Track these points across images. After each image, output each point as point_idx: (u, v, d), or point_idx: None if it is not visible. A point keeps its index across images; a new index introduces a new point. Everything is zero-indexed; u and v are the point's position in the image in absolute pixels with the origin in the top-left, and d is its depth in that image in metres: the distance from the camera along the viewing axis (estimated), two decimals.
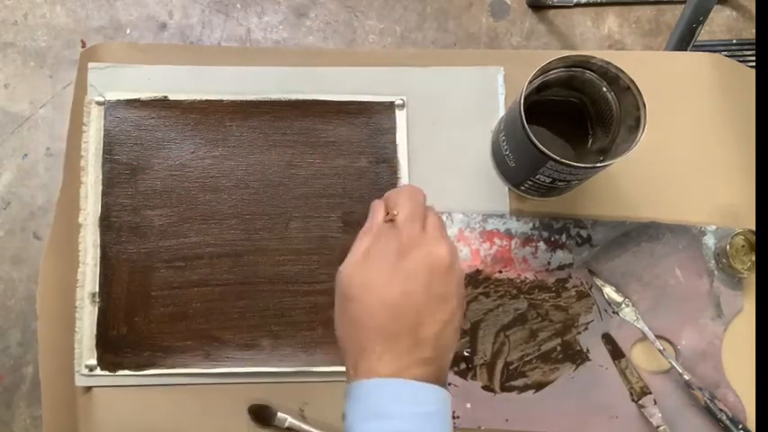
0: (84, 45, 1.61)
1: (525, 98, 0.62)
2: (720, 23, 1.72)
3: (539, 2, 1.71)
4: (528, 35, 1.71)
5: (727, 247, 0.70)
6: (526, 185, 0.70)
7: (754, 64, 1.30)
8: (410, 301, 0.47)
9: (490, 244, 0.72)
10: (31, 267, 1.52)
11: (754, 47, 1.60)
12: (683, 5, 1.30)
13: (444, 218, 0.72)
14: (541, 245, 0.72)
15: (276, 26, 1.67)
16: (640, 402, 0.69)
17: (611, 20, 1.72)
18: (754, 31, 1.70)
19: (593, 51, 0.66)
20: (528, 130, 0.61)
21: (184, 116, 0.73)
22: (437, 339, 0.48)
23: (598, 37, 1.71)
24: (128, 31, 1.65)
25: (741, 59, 1.58)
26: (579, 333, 0.71)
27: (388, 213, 0.52)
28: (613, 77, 0.64)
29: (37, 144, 1.58)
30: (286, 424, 0.68)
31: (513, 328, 0.70)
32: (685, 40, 1.31)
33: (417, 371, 0.46)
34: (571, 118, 0.71)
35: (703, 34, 1.35)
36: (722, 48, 1.61)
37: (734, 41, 1.63)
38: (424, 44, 1.68)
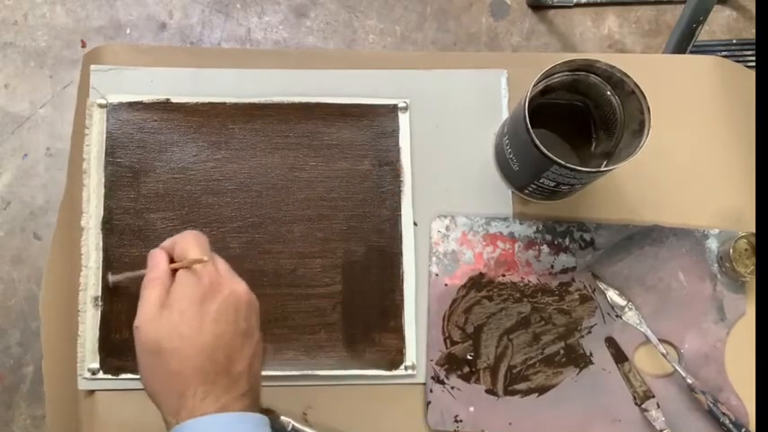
0: (84, 45, 1.61)
1: (529, 101, 0.62)
2: (720, 23, 1.72)
3: (539, 2, 1.71)
4: (528, 35, 1.71)
5: (730, 250, 0.70)
6: (530, 189, 0.70)
7: (754, 64, 1.30)
8: (221, 342, 0.49)
9: (493, 247, 0.72)
10: (31, 267, 1.51)
11: (754, 47, 1.60)
12: (683, 5, 1.30)
13: (448, 221, 0.72)
14: (545, 248, 0.72)
15: (276, 26, 1.67)
16: (643, 406, 0.69)
17: (611, 20, 1.72)
18: (754, 31, 1.70)
19: (595, 54, 0.66)
20: (532, 133, 0.61)
21: (187, 119, 0.73)
22: (249, 373, 0.51)
23: (598, 37, 1.71)
24: (128, 31, 1.64)
25: (741, 60, 1.58)
26: (582, 337, 0.71)
27: (172, 261, 0.54)
28: (618, 81, 0.64)
29: (37, 144, 1.57)
30: (289, 428, 0.67)
31: (517, 332, 0.70)
32: (685, 41, 1.31)
33: (238, 405, 0.49)
34: (575, 121, 0.71)
35: (703, 34, 1.35)
36: (722, 48, 1.61)
37: (734, 41, 1.63)
38: (424, 44, 1.68)
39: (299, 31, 1.67)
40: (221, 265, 0.54)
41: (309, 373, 0.69)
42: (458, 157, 0.74)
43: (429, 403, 0.69)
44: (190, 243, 0.53)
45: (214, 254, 0.55)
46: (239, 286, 0.52)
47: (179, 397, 0.48)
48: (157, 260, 0.54)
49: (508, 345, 0.70)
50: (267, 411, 0.68)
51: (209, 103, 0.73)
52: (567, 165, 0.60)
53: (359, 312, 0.70)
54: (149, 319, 0.50)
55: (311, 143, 0.73)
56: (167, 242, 0.56)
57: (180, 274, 0.52)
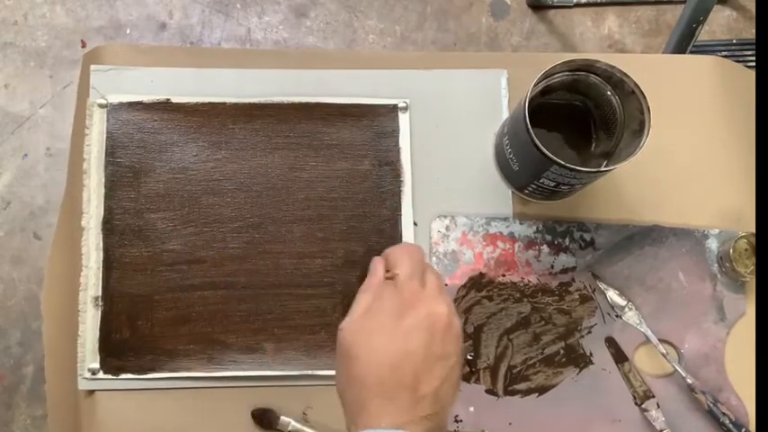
0: (84, 45, 1.61)
1: (529, 101, 0.62)
2: (720, 23, 1.72)
3: (539, 2, 1.71)
4: (528, 35, 1.71)
5: (730, 250, 0.70)
6: (530, 189, 0.70)
7: (754, 64, 1.30)
8: (409, 360, 0.48)
9: (493, 247, 0.72)
10: (31, 267, 1.51)
11: (754, 47, 1.60)
12: (683, 5, 1.30)
13: (448, 221, 0.72)
14: (545, 248, 0.72)
15: (276, 26, 1.67)
16: (643, 406, 0.69)
17: (611, 20, 1.72)
18: (754, 31, 1.70)
19: (595, 54, 0.66)
20: (532, 133, 0.61)
21: (187, 119, 0.73)
22: (435, 396, 0.48)
23: (598, 37, 1.71)
24: (128, 31, 1.64)
25: (741, 59, 1.58)
26: (582, 337, 0.71)
27: (388, 270, 0.53)
28: (618, 81, 0.64)
29: (37, 144, 1.57)
30: (289, 428, 0.67)
31: (517, 332, 0.70)
32: (685, 41, 1.31)
33: (417, 428, 0.47)
34: (575, 121, 0.71)
35: (703, 34, 1.35)
36: (722, 48, 1.61)
37: (734, 41, 1.63)
38: (424, 44, 1.68)
39: (299, 31, 1.67)
40: (432, 281, 0.53)
41: (309, 372, 0.69)
42: (458, 157, 0.74)
43: None
44: (400, 254, 0.54)
45: (430, 267, 0.54)
46: (439, 307, 0.50)
47: (359, 405, 0.48)
48: (376, 267, 0.54)
49: (508, 345, 0.70)
50: (267, 411, 0.68)
51: (210, 103, 0.73)
52: (567, 165, 0.60)
53: None
54: (351, 323, 0.50)
55: (311, 143, 0.73)
56: (387, 250, 0.56)
57: (383, 285, 0.52)
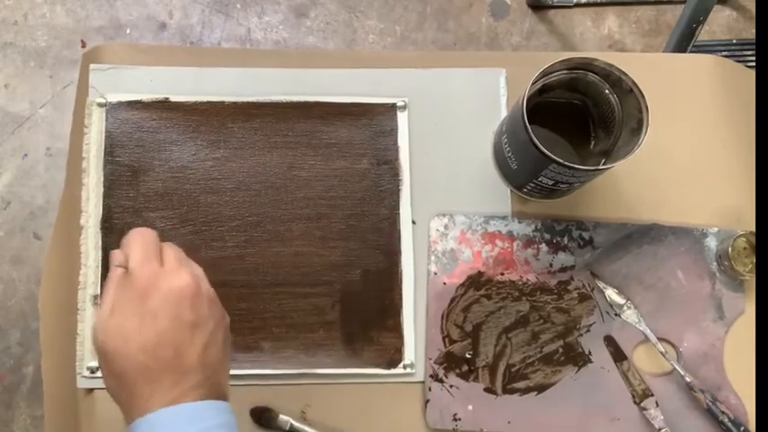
0: (84, 45, 1.61)
1: (528, 100, 0.62)
2: (720, 23, 1.72)
3: (539, 2, 1.71)
4: (528, 35, 1.71)
5: (729, 249, 0.70)
6: (528, 187, 0.70)
7: (754, 64, 1.30)
8: (163, 337, 0.49)
9: (492, 246, 0.72)
10: (31, 267, 1.51)
11: (754, 47, 1.60)
12: (683, 5, 1.30)
13: (446, 220, 0.72)
14: (543, 247, 0.72)
15: (276, 26, 1.67)
16: (642, 405, 0.69)
17: (611, 20, 1.72)
18: (754, 31, 1.70)
19: (594, 53, 0.66)
20: (530, 131, 0.61)
21: (186, 118, 0.73)
22: (202, 364, 0.50)
23: (598, 37, 1.71)
24: (128, 31, 1.64)
25: (741, 59, 1.58)
26: (581, 335, 0.71)
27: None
28: (616, 80, 0.64)
29: (37, 144, 1.57)
30: (288, 426, 0.67)
31: (515, 331, 0.70)
32: (685, 40, 1.31)
33: (190, 397, 0.48)
34: (573, 120, 0.71)
35: (703, 34, 1.35)
36: (722, 48, 1.61)
37: (734, 41, 1.63)
38: (424, 44, 1.68)
39: (299, 31, 1.67)
40: (170, 256, 0.53)
41: (308, 371, 0.69)
42: (456, 155, 0.74)
43: (428, 402, 0.69)
44: (131, 243, 0.54)
45: (166, 245, 0.55)
46: (179, 280, 0.51)
47: (129, 397, 0.48)
48: (115, 259, 0.54)
49: (507, 343, 0.70)
50: (266, 410, 0.68)
51: (209, 103, 0.73)
52: (566, 163, 0.60)
53: (357, 311, 0.70)
54: (100, 320, 0.51)
55: (310, 142, 0.73)
56: (123, 240, 0.56)
57: (120, 277, 0.52)
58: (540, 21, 1.71)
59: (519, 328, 0.70)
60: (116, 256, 0.53)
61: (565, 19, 1.72)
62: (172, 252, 0.54)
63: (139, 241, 0.53)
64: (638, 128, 0.63)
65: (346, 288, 0.70)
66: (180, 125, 0.72)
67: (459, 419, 0.68)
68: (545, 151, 0.61)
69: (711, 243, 0.73)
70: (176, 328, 0.50)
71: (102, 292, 0.53)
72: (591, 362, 0.70)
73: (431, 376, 0.69)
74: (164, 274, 0.51)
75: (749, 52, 1.60)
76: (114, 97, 0.72)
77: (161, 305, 0.50)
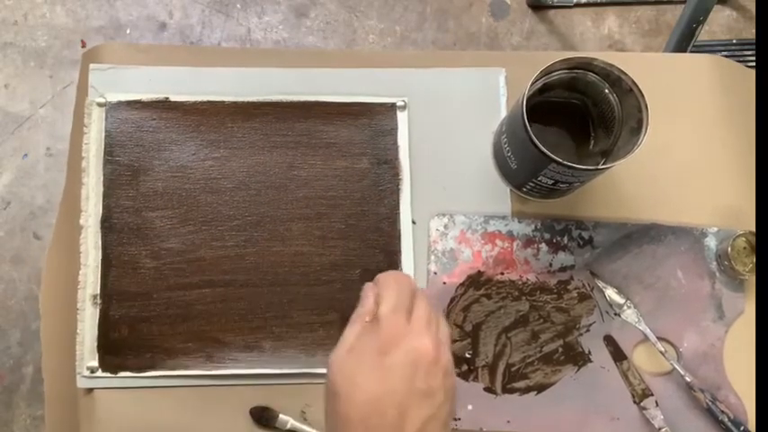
0: (84, 45, 1.61)
1: (527, 100, 0.62)
2: (720, 23, 1.72)
3: (539, 2, 1.71)
4: (528, 35, 1.71)
5: (729, 248, 0.70)
6: (528, 187, 0.70)
7: (754, 64, 1.30)
8: (391, 397, 0.48)
9: (492, 245, 0.72)
10: (31, 267, 1.52)
11: (754, 47, 1.60)
12: (683, 5, 1.30)
13: (446, 219, 0.72)
14: (543, 246, 0.72)
15: (276, 26, 1.67)
16: (642, 404, 0.69)
17: (611, 20, 1.72)
18: (754, 31, 1.70)
19: (594, 53, 0.66)
20: (530, 131, 0.61)
21: (185, 117, 0.73)
22: None
23: (598, 37, 1.71)
24: (128, 31, 1.64)
25: (741, 59, 1.58)
26: (581, 335, 0.71)
27: (376, 301, 0.52)
28: (616, 79, 0.64)
29: (37, 144, 1.57)
30: (288, 426, 0.68)
31: (515, 330, 0.70)
32: (685, 40, 1.31)
33: None
34: (573, 120, 0.71)
35: (703, 34, 1.35)
36: (722, 48, 1.62)
37: (734, 41, 1.63)
38: (424, 44, 1.68)
39: (299, 31, 1.67)
40: (420, 313, 0.52)
41: (308, 371, 0.69)
42: (456, 155, 0.74)
43: None
44: (387, 288, 0.53)
45: (420, 298, 0.53)
46: (423, 342, 0.49)
47: None
48: (366, 296, 0.53)
49: (507, 343, 0.70)
50: (265, 409, 0.68)
51: (208, 102, 0.73)
52: (565, 163, 0.60)
53: None
54: (338, 358, 0.50)
55: (310, 142, 0.73)
56: (378, 277, 0.55)
57: (365, 320, 0.51)
58: (540, 21, 1.71)
59: (519, 327, 0.70)
60: (369, 296, 0.53)
61: (565, 19, 1.72)
62: (423, 308, 0.52)
63: (395, 288, 0.52)
64: (637, 127, 0.63)
65: (346, 288, 0.70)
66: (180, 125, 0.72)
67: (459, 419, 0.68)
68: (545, 151, 0.61)
69: (711, 243, 0.73)
70: (405, 391, 0.48)
71: (347, 329, 0.51)
72: (591, 361, 0.70)
73: None
74: (409, 333, 0.50)
75: (749, 52, 1.61)
76: (114, 97, 0.72)
77: (396, 364, 0.48)
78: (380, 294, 0.52)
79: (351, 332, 0.51)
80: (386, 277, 0.54)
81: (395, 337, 0.49)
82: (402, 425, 0.47)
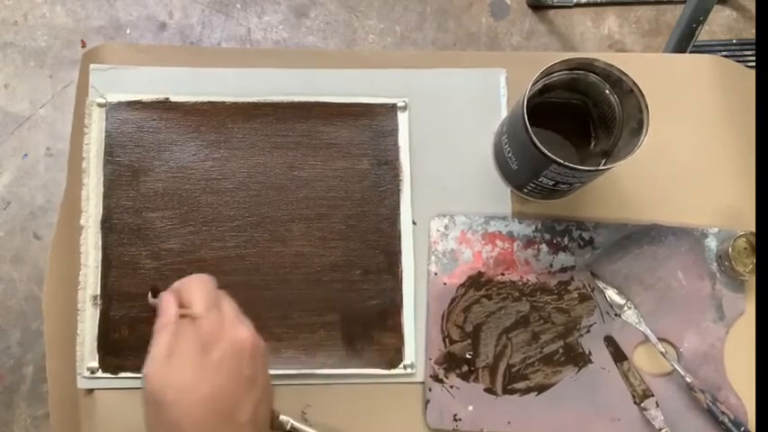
0: (84, 45, 1.61)
1: (528, 100, 0.62)
2: (720, 23, 1.72)
3: (539, 2, 1.71)
4: (528, 35, 1.71)
5: (729, 249, 0.70)
6: (528, 188, 0.70)
7: (754, 64, 1.30)
8: (223, 393, 0.48)
9: (492, 246, 0.72)
10: (31, 267, 1.52)
11: (754, 47, 1.60)
12: (682, 5, 1.30)
13: (447, 220, 0.72)
14: (543, 247, 0.72)
15: (276, 26, 1.67)
16: (642, 405, 0.69)
17: (611, 20, 1.72)
18: (754, 31, 1.70)
19: (594, 53, 0.66)
20: (531, 132, 0.61)
21: (186, 118, 0.73)
22: (254, 421, 0.50)
23: (598, 37, 1.72)
24: (128, 31, 1.64)
25: (741, 59, 1.58)
26: (581, 335, 0.71)
27: (181, 306, 0.53)
28: (616, 80, 0.64)
29: (37, 144, 1.57)
30: (288, 426, 0.67)
31: (516, 331, 0.70)
32: (685, 40, 1.31)
33: None
34: (574, 120, 0.71)
35: (703, 34, 1.35)
36: (722, 48, 1.62)
37: (734, 41, 1.63)
38: (424, 44, 1.68)
39: (299, 31, 1.67)
40: (227, 307, 0.53)
41: (308, 371, 0.69)
42: (457, 155, 0.74)
43: (428, 402, 0.69)
44: (194, 290, 0.53)
45: (222, 294, 0.54)
46: (241, 332, 0.51)
47: None
48: (167, 304, 0.53)
49: (507, 343, 0.70)
50: None
51: (209, 102, 0.73)
52: (566, 163, 0.60)
53: (358, 311, 0.70)
54: (155, 367, 0.50)
55: (310, 142, 0.73)
56: (176, 284, 0.56)
57: (181, 323, 0.52)
58: (540, 21, 1.71)
59: (519, 328, 0.70)
60: (171, 304, 0.53)
61: (565, 19, 1.72)
62: (228, 303, 0.54)
63: (202, 288, 0.53)
64: (638, 128, 0.63)
65: (347, 288, 0.70)
66: (180, 125, 0.72)
67: (460, 420, 0.68)
68: (545, 152, 0.61)
69: (711, 243, 0.73)
70: (235, 382, 0.49)
71: (155, 339, 0.51)
72: (591, 362, 0.70)
73: (431, 376, 0.69)
74: (225, 326, 0.51)
75: (749, 52, 1.61)
76: (114, 97, 0.72)
77: (222, 358, 0.49)
78: (188, 298, 0.53)
79: (162, 341, 0.51)
80: (188, 281, 0.55)
81: (214, 333, 0.50)
82: (235, 417, 0.49)
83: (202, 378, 0.48)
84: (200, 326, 0.51)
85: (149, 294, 0.64)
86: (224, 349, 0.50)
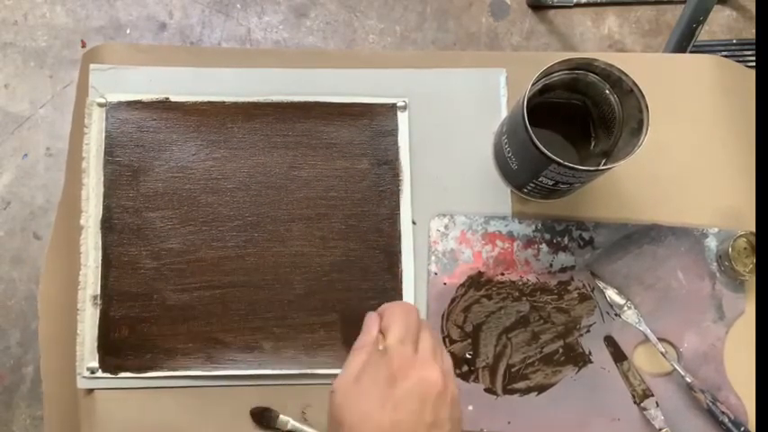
0: (84, 45, 1.61)
1: (528, 100, 0.62)
2: (720, 23, 1.72)
3: (539, 2, 1.71)
4: (528, 35, 1.71)
5: (729, 249, 0.70)
6: (528, 188, 0.70)
7: (754, 64, 1.30)
8: (400, 428, 0.47)
9: (492, 246, 0.72)
10: (31, 267, 1.52)
11: (754, 47, 1.60)
12: (682, 5, 1.30)
13: (447, 220, 0.72)
14: (543, 247, 0.72)
15: (276, 26, 1.67)
16: (642, 405, 0.69)
17: (611, 20, 1.72)
18: (754, 31, 1.70)
19: (594, 53, 0.66)
20: (531, 132, 0.61)
21: (186, 118, 0.73)
22: None
23: (598, 37, 1.71)
24: (128, 31, 1.64)
25: (741, 59, 1.58)
26: (581, 335, 0.71)
27: (381, 330, 0.53)
28: (616, 80, 0.64)
29: (37, 144, 1.57)
30: (288, 426, 0.68)
31: (515, 331, 0.70)
32: (685, 40, 1.31)
33: None
34: (574, 120, 0.71)
35: (703, 34, 1.35)
36: (722, 48, 1.62)
37: (734, 41, 1.63)
38: (424, 44, 1.68)
39: (299, 31, 1.67)
40: (426, 343, 0.52)
41: (308, 371, 0.69)
42: (457, 155, 0.74)
43: None
44: (394, 318, 0.53)
45: (426, 326, 0.54)
46: (431, 373, 0.49)
47: None
48: (370, 325, 0.53)
49: (507, 343, 0.70)
50: (266, 410, 0.68)
51: (208, 102, 0.73)
52: (566, 163, 0.60)
53: (358, 311, 0.70)
54: (343, 386, 0.50)
55: (310, 142, 0.73)
56: (383, 306, 0.55)
57: (376, 348, 0.51)
58: (540, 21, 1.71)
59: (519, 328, 0.70)
60: (373, 326, 0.53)
61: (565, 19, 1.72)
62: (428, 339, 0.52)
63: (403, 319, 0.52)
64: (638, 128, 0.63)
65: (346, 288, 0.70)
66: (180, 125, 0.72)
67: None
68: (545, 152, 0.61)
69: (711, 243, 0.73)
70: (414, 423, 0.48)
71: (351, 357, 0.51)
72: (591, 362, 0.70)
73: None
74: (417, 363, 0.50)
75: (749, 52, 1.61)
76: (114, 97, 0.72)
77: (406, 395, 0.48)
78: (387, 325, 0.52)
79: (356, 361, 0.51)
80: (392, 308, 0.54)
81: (403, 368, 0.49)
82: None
83: (381, 411, 0.48)
84: (391, 357, 0.50)
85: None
86: (409, 387, 0.49)
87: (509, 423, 0.68)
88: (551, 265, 0.72)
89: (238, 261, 0.70)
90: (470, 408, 0.69)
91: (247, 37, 1.66)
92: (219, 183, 0.72)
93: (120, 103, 0.72)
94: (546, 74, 0.64)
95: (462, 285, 0.71)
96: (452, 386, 0.51)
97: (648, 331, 0.70)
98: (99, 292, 0.69)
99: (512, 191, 0.74)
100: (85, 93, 0.73)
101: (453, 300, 0.70)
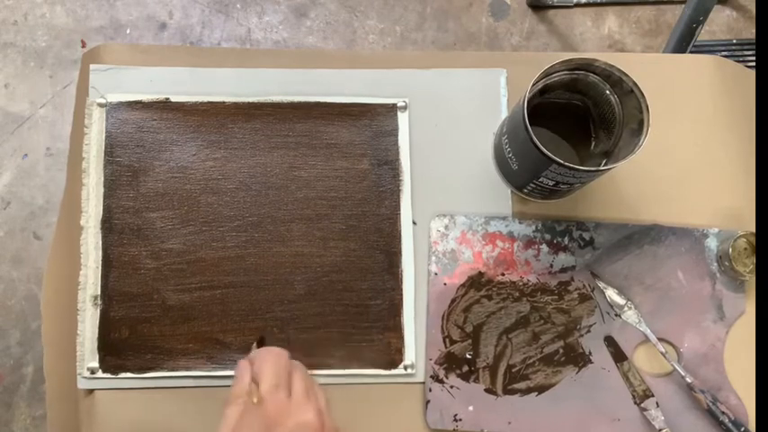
0: (84, 45, 1.61)
1: (528, 101, 0.62)
2: (720, 23, 1.72)
3: (539, 2, 1.71)
4: (528, 35, 1.71)
5: (730, 249, 0.70)
6: (529, 188, 0.70)
7: (754, 64, 1.30)
8: None
9: (493, 246, 0.72)
10: (31, 267, 1.51)
11: (754, 47, 1.60)
12: (683, 5, 1.30)
13: (447, 220, 0.72)
14: (544, 247, 0.72)
15: (276, 26, 1.67)
16: (643, 405, 0.69)
17: (612, 20, 1.72)
18: (754, 31, 1.70)
19: (595, 53, 0.66)
20: (531, 132, 0.61)
21: (186, 118, 0.73)
22: None
23: (598, 37, 1.71)
24: (128, 31, 1.64)
25: (741, 59, 1.58)
26: (581, 336, 0.71)
27: (253, 378, 0.53)
28: (617, 80, 0.64)
29: (37, 144, 1.57)
30: None
31: (516, 331, 0.70)
32: (685, 40, 1.31)
33: None
34: (574, 121, 0.71)
35: (703, 34, 1.35)
36: (722, 48, 1.61)
37: (734, 41, 1.63)
38: (423, 44, 1.68)
39: (299, 31, 1.67)
40: (298, 384, 0.53)
41: (308, 372, 0.69)
42: (457, 156, 0.74)
43: (428, 402, 0.69)
44: (265, 365, 0.53)
45: (297, 367, 0.54)
46: (307, 415, 0.51)
47: None
48: (242, 373, 0.53)
49: (507, 344, 0.70)
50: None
51: (209, 103, 0.73)
52: (566, 164, 0.60)
53: (358, 311, 0.70)
54: None
55: (310, 142, 0.73)
56: (252, 353, 0.56)
57: (248, 403, 0.52)
58: (540, 21, 1.71)
59: (519, 328, 0.70)
60: (245, 375, 0.53)
61: (565, 19, 1.72)
62: (300, 381, 0.53)
63: (273, 365, 0.53)
64: (638, 128, 0.63)
65: (346, 288, 0.70)
66: (180, 125, 0.72)
67: (460, 420, 0.68)
68: (546, 152, 0.61)
69: (712, 243, 0.73)
70: None
71: (226, 409, 0.51)
72: (591, 362, 0.70)
73: (431, 377, 0.69)
74: (292, 408, 0.51)
75: (749, 52, 1.60)
76: (114, 97, 0.72)
77: None
78: (258, 372, 0.53)
79: (232, 415, 0.51)
80: (262, 354, 0.55)
81: (279, 416, 0.50)
82: None
83: None
84: (265, 406, 0.50)
85: (254, 344, 0.65)
86: None
87: (509, 423, 0.69)
88: (552, 266, 0.72)
89: (239, 261, 0.70)
90: (470, 408, 0.69)
91: (247, 37, 1.66)
92: (220, 183, 0.72)
93: (120, 104, 0.72)
94: (546, 74, 0.64)
95: (463, 286, 0.71)
96: (329, 421, 0.52)
97: (649, 331, 0.70)
98: (99, 292, 0.69)
99: (512, 191, 0.74)
100: (85, 93, 0.73)
101: (454, 300, 0.70)
